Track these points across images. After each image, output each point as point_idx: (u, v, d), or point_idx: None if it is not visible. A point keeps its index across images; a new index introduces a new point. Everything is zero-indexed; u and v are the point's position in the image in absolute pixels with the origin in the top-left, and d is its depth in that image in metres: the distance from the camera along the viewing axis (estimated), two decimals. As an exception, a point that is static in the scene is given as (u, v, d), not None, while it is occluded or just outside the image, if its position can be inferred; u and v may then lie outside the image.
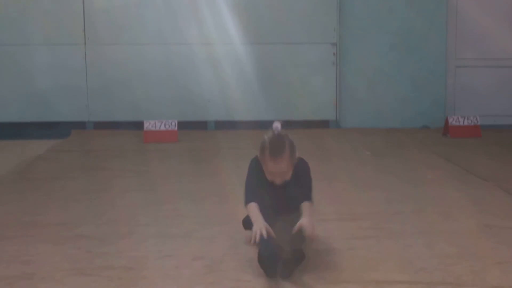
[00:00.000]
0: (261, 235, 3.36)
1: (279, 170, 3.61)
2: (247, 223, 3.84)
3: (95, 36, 9.30)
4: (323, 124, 9.58)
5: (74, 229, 4.24)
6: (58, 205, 4.94)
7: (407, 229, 4.23)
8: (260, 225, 3.44)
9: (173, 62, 9.38)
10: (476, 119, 8.72)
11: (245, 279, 3.29)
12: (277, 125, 3.71)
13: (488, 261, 3.57)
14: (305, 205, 3.66)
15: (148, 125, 8.34)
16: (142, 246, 3.88)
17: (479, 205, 4.87)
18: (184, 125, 8.91)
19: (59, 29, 9.26)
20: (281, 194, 3.72)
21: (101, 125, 9.47)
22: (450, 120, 8.68)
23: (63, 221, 4.44)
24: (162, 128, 8.33)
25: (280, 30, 9.40)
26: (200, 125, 9.46)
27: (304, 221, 3.47)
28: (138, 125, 8.76)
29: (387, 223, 4.37)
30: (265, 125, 9.39)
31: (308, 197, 3.73)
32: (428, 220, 4.45)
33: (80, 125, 9.40)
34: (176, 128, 8.37)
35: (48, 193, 5.38)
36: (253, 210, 3.62)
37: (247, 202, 3.70)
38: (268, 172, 3.65)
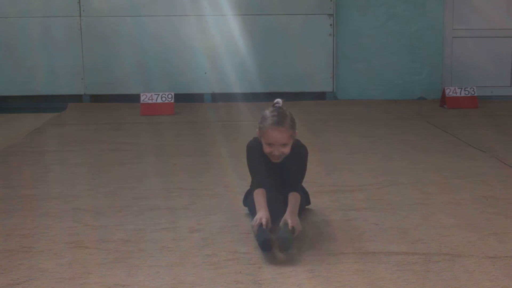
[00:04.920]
0: (260, 225, 3.36)
1: (279, 141, 3.57)
2: (248, 202, 3.86)
3: (90, 8, 9.24)
4: (320, 95, 9.57)
5: (71, 203, 4.25)
6: (55, 179, 4.94)
7: (404, 200, 4.24)
8: (261, 215, 3.42)
9: (169, 35, 9.33)
10: (473, 90, 8.71)
11: (243, 251, 3.31)
12: (279, 100, 3.71)
13: (485, 231, 3.59)
14: (290, 197, 3.62)
15: (144, 98, 8.32)
16: (140, 219, 3.89)
17: (476, 175, 4.88)
18: (180, 98, 8.89)
19: (54, 1, 9.19)
20: (277, 175, 3.71)
21: (97, 98, 9.45)
22: (447, 91, 8.68)
23: (60, 195, 4.45)
24: (159, 100, 8.31)
25: (276, 0, 9.33)
26: (196, 98, 9.44)
27: (286, 216, 3.46)
28: (135, 98, 8.74)
29: (383, 194, 4.38)
30: (261, 97, 9.36)
31: (295, 187, 3.69)
32: (424, 191, 4.46)
33: (77, 98, 9.38)
34: (172, 100, 8.35)
35: (45, 166, 5.38)
36: (259, 197, 3.57)
37: (255, 187, 3.65)
38: (267, 145, 3.60)
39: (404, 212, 3.98)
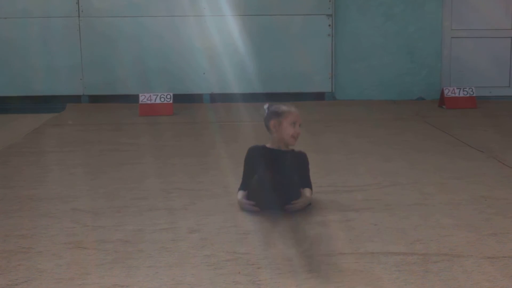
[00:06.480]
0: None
1: (299, 118, 4.05)
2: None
3: (89, 8, 9.24)
4: (319, 96, 9.57)
5: (70, 203, 4.24)
6: (54, 179, 4.94)
7: (403, 200, 4.24)
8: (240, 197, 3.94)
9: (168, 35, 9.33)
10: (472, 90, 8.72)
11: (241, 251, 3.31)
12: (266, 105, 4.15)
13: (483, 232, 3.59)
14: (305, 190, 4.03)
15: (143, 98, 8.32)
16: (138, 219, 3.89)
17: (474, 176, 4.88)
18: (179, 98, 8.89)
19: (53, 1, 9.19)
20: (277, 168, 3.89)
21: (96, 99, 9.44)
22: (445, 91, 8.68)
23: (59, 195, 4.45)
24: (158, 101, 8.31)
25: (275, 1, 9.34)
26: (195, 98, 9.43)
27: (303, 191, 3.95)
28: (134, 98, 8.73)
29: (382, 195, 4.38)
30: (260, 97, 9.36)
31: (309, 185, 4.10)
32: (423, 192, 4.46)
33: (75, 99, 9.38)
34: (171, 101, 8.35)
35: (44, 167, 5.37)
36: (240, 196, 4.06)
37: (240, 188, 4.10)
38: (291, 126, 4.00)
39: (403, 212, 3.98)
